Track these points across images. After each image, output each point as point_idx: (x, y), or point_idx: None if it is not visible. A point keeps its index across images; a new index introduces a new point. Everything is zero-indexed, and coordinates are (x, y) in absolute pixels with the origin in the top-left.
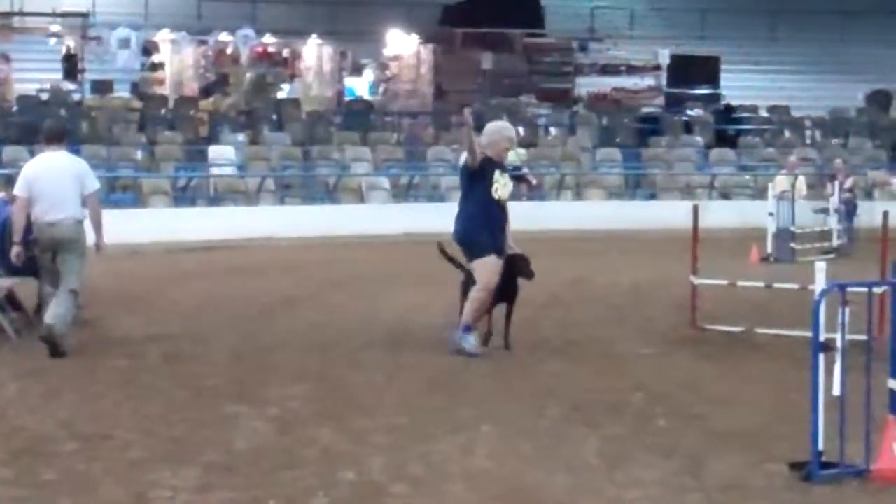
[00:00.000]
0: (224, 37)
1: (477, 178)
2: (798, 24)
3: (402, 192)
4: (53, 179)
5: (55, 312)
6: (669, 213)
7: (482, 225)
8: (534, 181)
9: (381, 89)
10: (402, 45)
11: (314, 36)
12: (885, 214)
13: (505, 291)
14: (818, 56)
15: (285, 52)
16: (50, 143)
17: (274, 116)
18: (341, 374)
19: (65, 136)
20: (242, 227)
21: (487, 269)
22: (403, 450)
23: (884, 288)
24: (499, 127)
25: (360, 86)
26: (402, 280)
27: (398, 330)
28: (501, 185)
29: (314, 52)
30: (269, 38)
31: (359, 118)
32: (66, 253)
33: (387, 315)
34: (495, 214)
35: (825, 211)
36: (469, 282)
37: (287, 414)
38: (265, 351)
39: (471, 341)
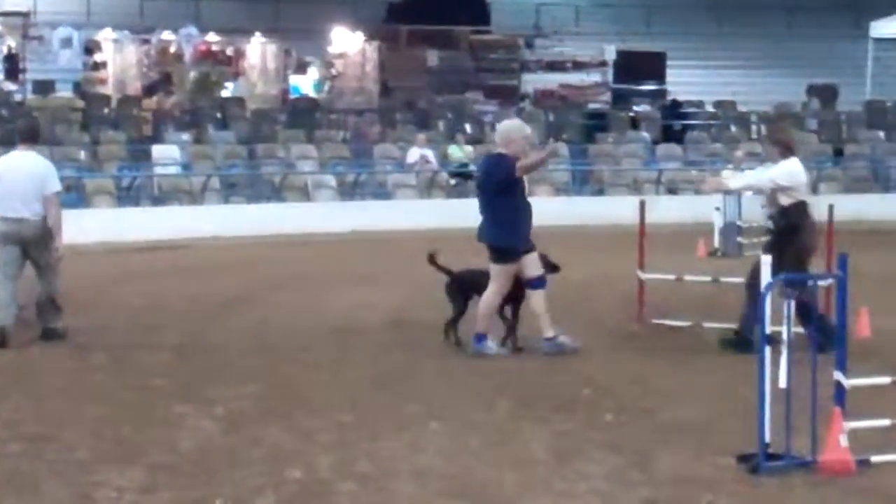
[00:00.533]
0: (167, 35)
1: (514, 183)
2: (743, 19)
3: (349, 190)
4: (17, 179)
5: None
6: (617, 209)
7: (517, 231)
8: None
9: (326, 87)
10: (348, 42)
11: (258, 34)
12: (831, 208)
13: (514, 292)
14: (764, 51)
15: (229, 51)
16: (23, 143)
17: (218, 115)
18: (288, 372)
19: (38, 137)
20: (187, 226)
21: (507, 276)
22: (351, 447)
23: (829, 281)
24: (517, 126)
25: (305, 84)
26: (348, 278)
27: (345, 328)
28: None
29: (258, 50)
30: (212, 37)
31: (304, 116)
32: (34, 251)
33: (334, 313)
34: (525, 219)
35: None
36: (456, 287)
37: (233, 413)
38: (211, 350)
39: (489, 346)
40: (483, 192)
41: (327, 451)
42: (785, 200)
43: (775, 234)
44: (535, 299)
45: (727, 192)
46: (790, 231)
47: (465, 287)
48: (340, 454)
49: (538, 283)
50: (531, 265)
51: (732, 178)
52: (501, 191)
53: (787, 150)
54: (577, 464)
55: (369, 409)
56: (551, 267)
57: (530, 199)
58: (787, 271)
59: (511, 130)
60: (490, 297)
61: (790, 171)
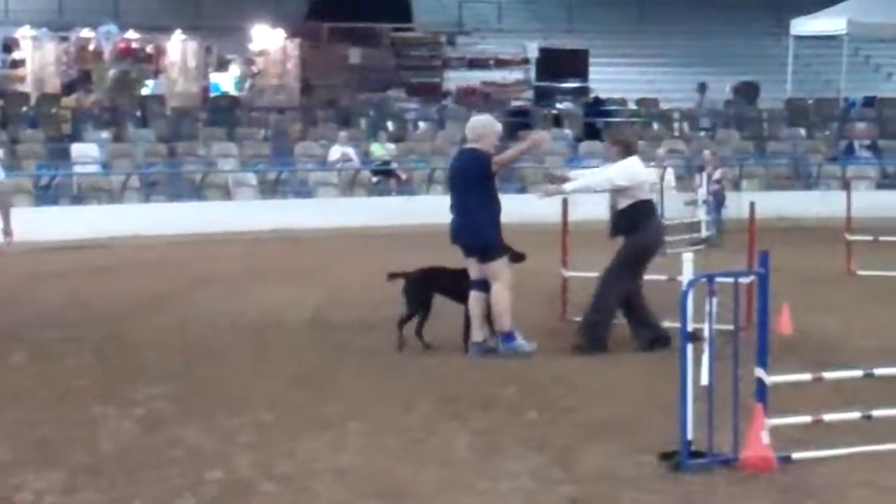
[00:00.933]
0: (86, 33)
1: (490, 178)
2: (665, 17)
3: (270, 189)
4: None
5: None
6: (541, 206)
7: (497, 225)
8: (403, 176)
9: (247, 85)
10: (269, 39)
11: (178, 31)
12: (752, 205)
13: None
14: (686, 49)
15: (149, 48)
16: None
17: (138, 113)
18: (208, 372)
19: None
20: (107, 225)
21: (507, 268)
22: (271, 447)
23: (751, 278)
24: (488, 121)
25: (225, 81)
26: (269, 277)
27: (266, 327)
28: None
29: (178, 48)
30: (132, 34)
31: (225, 114)
32: None
33: (254, 312)
34: (499, 214)
35: (694, 203)
36: (416, 289)
37: (154, 413)
38: (132, 350)
39: (520, 343)
40: (457, 189)
41: (247, 452)
42: (623, 202)
43: (614, 234)
44: (473, 301)
45: (565, 195)
46: (628, 231)
47: (426, 286)
48: (261, 454)
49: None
50: (473, 267)
51: (569, 182)
52: (478, 187)
53: (626, 150)
54: (500, 462)
55: (290, 409)
56: (517, 256)
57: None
58: (620, 271)
59: (484, 125)
60: (501, 294)
61: (628, 171)
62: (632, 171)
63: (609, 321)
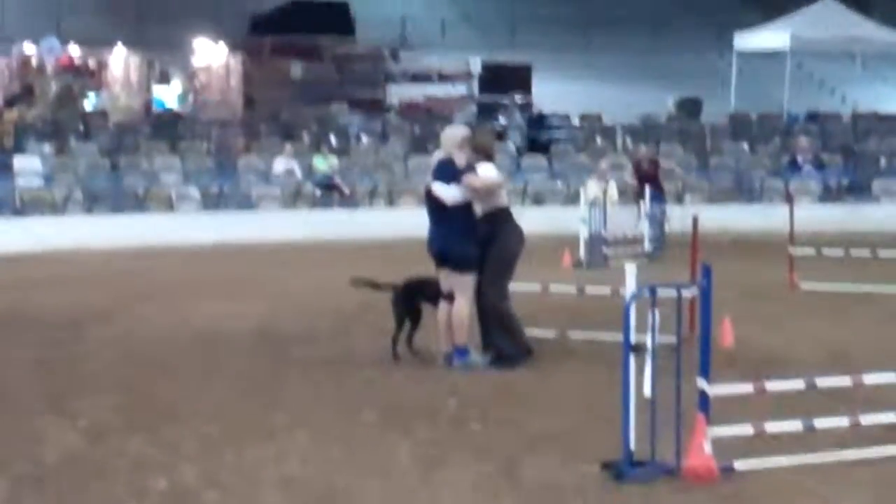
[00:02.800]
0: (28, 47)
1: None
2: (609, 33)
3: (213, 202)
4: None
5: None
6: None
7: (472, 239)
8: (346, 190)
9: (189, 99)
10: (211, 54)
11: (120, 45)
12: (695, 219)
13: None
14: (629, 65)
15: (91, 63)
16: None
17: (81, 127)
18: (152, 383)
19: None
20: (50, 238)
21: (471, 283)
22: (215, 457)
23: (693, 291)
24: (461, 131)
25: (168, 95)
26: (213, 289)
27: (210, 339)
28: None
29: (121, 63)
30: (74, 48)
31: (167, 128)
32: None
33: (199, 324)
34: (475, 224)
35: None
36: (405, 298)
37: (98, 425)
38: (75, 362)
39: (475, 358)
40: (435, 201)
41: (192, 462)
42: (485, 208)
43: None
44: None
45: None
46: (492, 238)
47: (413, 296)
48: (205, 464)
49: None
50: (444, 279)
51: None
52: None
53: (485, 156)
54: (443, 472)
55: (235, 419)
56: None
57: (394, 210)
58: (491, 279)
59: (460, 138)
60: (463, 308)
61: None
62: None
63: (516, 324)
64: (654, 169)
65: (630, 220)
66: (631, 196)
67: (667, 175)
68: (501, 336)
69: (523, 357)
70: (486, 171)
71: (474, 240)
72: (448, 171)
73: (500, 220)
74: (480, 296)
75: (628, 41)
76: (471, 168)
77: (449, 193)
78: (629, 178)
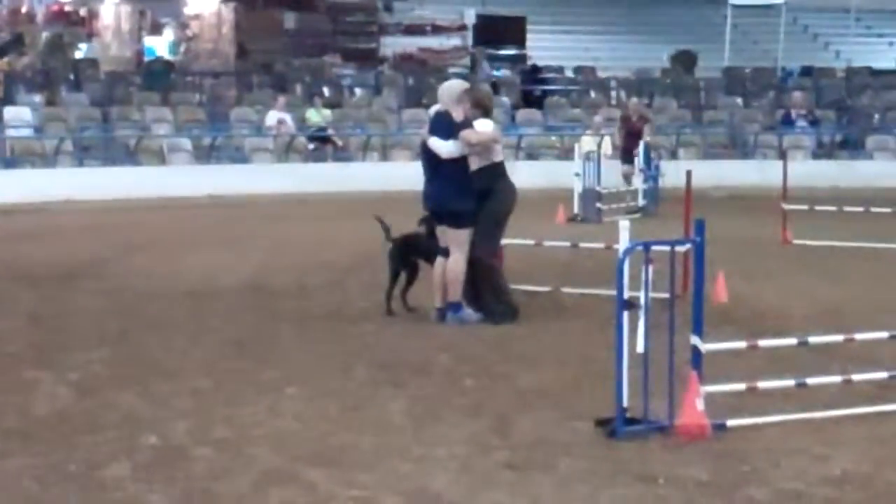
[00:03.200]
0: None
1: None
2: None
3: (205, 154)
4: None
5: None
6: None
7: (469, 194)
8: (339, 142)
9: (181, 49)
10: (203, 3)
11: None
12: (689, 174)
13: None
14: (623, 17)
15: (82, 11)
16: None
17: (71, 77)
18: (144, 337)
19: None
20: (40, 189)
21: (467, 238)
22: (207, 413)
23: (687, 246)
24: (459, 85)
25: (160, 45)
26: (205, 242)
27: (202, 292)
28: None
29: (112, 11)
30: None
31: (159, 78)
32: None
33: (190, 278)
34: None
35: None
36: (401, 253)
37: (88, 378)
38: (65, 315)
39: (468, 312)
40: (430, 155)
41: (183, 417)
42: (479, 163)
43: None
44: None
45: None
46: (485, 193)
47: (410, 251)
48: (197, 420)
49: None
50: (442, 234)
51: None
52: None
53: (484, 112)
54: (436, 428)
55: (226, 375)
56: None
57: (388, 163)
58: (483, 235)
59: (455, 91)
60: (458, 263)
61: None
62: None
63: (504, 282)
64: (642, 124)
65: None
66: (616, 152)
67: (651, 132)
68: (490, 293)
69: (510, 316)
70: (484, 127)
71: (471, 195)
72: (445, 125)
73: (495, 175)
74: (471, 251)
75: None
76: (468, 123)
77: (445, 148)
78: (616, 131)
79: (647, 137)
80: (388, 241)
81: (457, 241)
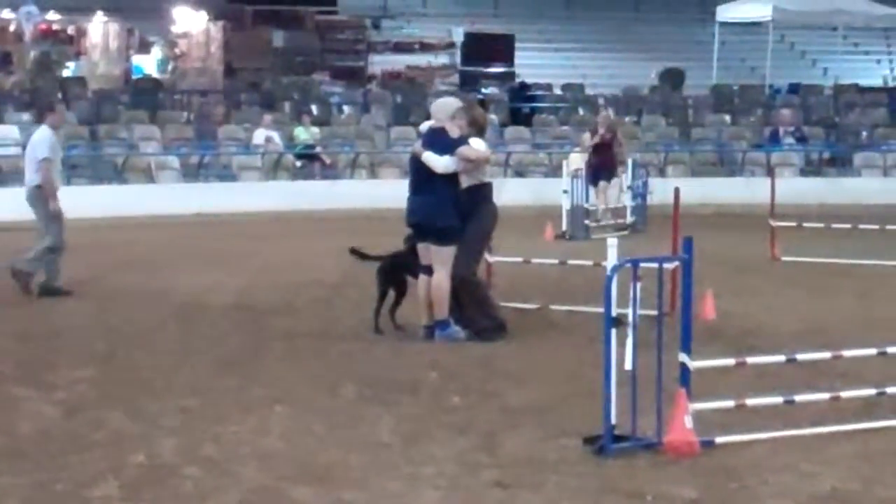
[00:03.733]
0: (6, 14)
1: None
2: (591, 3)
3: (193, 172)
4: (26, 151)
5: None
6: None
7: (455, 210)
8: (327, 160)
9: (169, 67)
10: (191, 22)
11: (100, 12)
12: (677, 191)
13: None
14: (611, 35)
15: (70, 30)
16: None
17: (59, 95)
18: (131, 356)
19: (43, 111)
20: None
21: (451, 255)
22: (195, 431)
23: (675, 264)
24: (455, 102)
25: (148, 64)
26: (193, 260)
27: (189, 311)
28: None
29: (100, 30)
30: (53, 15)
31: (147, 97)
32: (34, 214)
33: (178, 296)
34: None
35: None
36: (390, 271)
37: (75, 397)
38: (52, 334)
39: (455, 329)
40: (418, 169)
41: (171, 435)
42: (468, 181)
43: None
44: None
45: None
46: (470, 213)
47: (398, 269)
48: (184, 438)
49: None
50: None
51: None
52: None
53: (479, 131)
54: (424, 446)
55: (214, 393)
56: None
57: (376, 180)
58: (464, 253)
59: (450, 108)
60: (443, 281)
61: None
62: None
63: (489, 298)
64: (611, 138)
65: (613, 193)
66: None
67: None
68: (476, 310)
69: (500, 332)
70: (478, 146)
71: (456, 212)
72: (441, 141)
73: (481, 196)
74: (453, 270)
75: (611, 11)
76: (464, 140)
77: (441, 163)
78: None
79: (622, 158)
80: (375, 259)
81: (441, 259)
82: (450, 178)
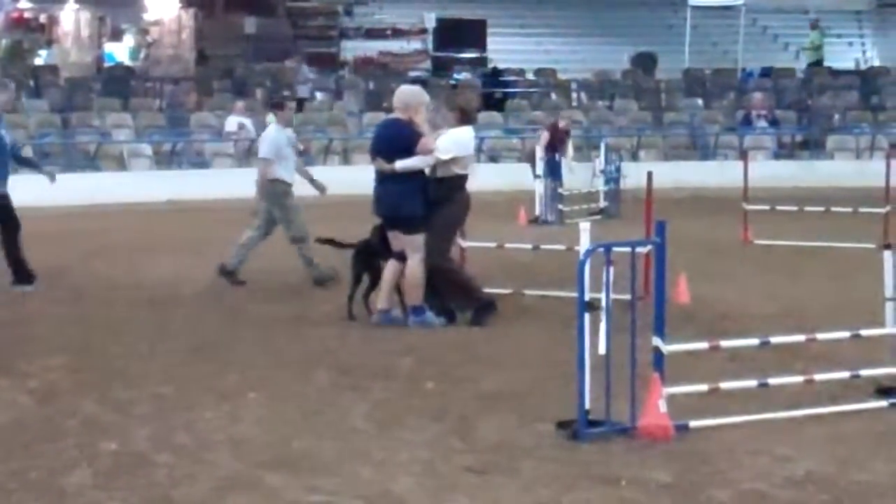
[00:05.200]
0: None
1: (413, 151)
2: None
3: (165, 159)
4: None
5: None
6: None
7: (421, 198)
8: (301, 146)
9: (142, 55)
10: (163, 9)
11: (71, 1)
12: (650, 175)
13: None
14: (583, 19)
15: (42, 18)
16: None
17: (31, 83)
18: (104, 343)
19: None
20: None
21: (422, 242)
22: (168, 419)
23: (648, 248)
24: (416, 91)
25: (120, 51)
26: (165, 248)
27: (162, 298)
28: None
29: (72, 18)
30: (25, 3)
31: (119, 84)
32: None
33: (151, 283)
34: (423, 183)
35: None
36: (364, 256)
37: (48, 385)
38: (25, 322)
39: (430, 315)
40: (382, 159)
41: (144, 423)
42: (442, 172)
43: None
44: (389, 270)
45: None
46: (441, 202)
47: (372, 255)
48: (157, 426)
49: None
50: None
51: (398, 162)
52: (402, 158)
53: (464, 118)
54: (398, 432)
55: (187, 380)
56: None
57: (349, 167)
58: (434, 241)
59: (410, 97)
60: (416, 267)
61: (458, 141)
62: (461, 142)
63: (469, 280)
64: (564, 136)
65: (585, 177)
66: (586, 153)
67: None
68: (461, 295)
69: (490, 311)
70: (460, 137)
71: (422, 199)
72: (391, 136)
73: (454, 186)
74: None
75: None
76: (415, 135)
77: (415, 164)
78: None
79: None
80: (348, 247)
81: (412, 246)
82: (413, 171)
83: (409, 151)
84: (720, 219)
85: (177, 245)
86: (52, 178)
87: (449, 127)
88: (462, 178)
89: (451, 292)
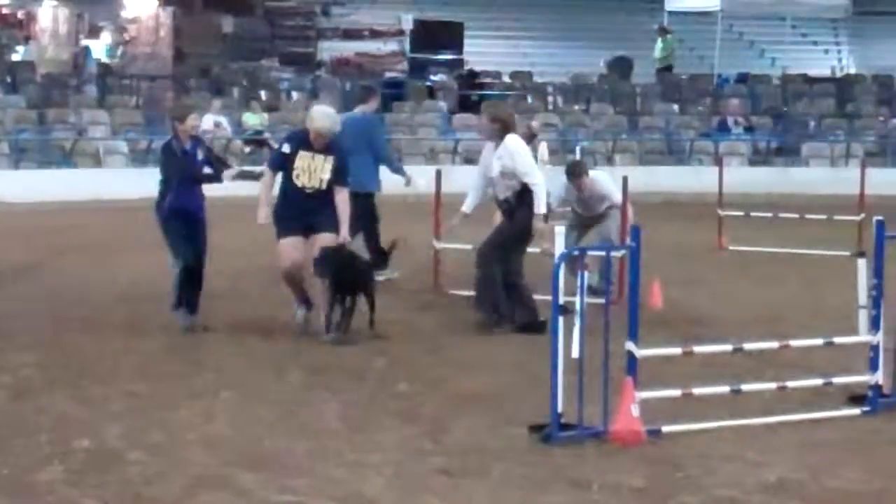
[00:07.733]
0: None
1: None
2: None
3: (141, 157)
4: None
5: None
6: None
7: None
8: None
9: (119, 52)
10: (141, 7)
11: None
12: (625, 180)
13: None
14: (560, 23)
15: (20, 14)
16: None
17: (8, 79)
18: (77, 340)
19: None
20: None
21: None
22: (141, 417)
23: (622, 252)
24: (321, 116)
25: (97, 48)
26: (140, 245)
27: (137, 295)
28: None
29: (50, 14)
30: (2, 0)
31: (96, 81)
32: None
33: (125, 280)
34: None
35: None
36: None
37: (20, 382)
38: None
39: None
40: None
41: (116, 421)
42: (519, 185)
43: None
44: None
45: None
46: (517, 214)
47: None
48: (130, 423)
49: None
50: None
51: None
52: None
53: (505, 128)
54: (370, 433)
55: (160, 379)
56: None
57: None
58: (504, 249)
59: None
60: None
61: (529, 153)
62: (529, 154)
63: (500, 294)
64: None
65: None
66: (562, 157)
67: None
68: (520, 310)
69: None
70: (524, 148)
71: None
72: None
73: (522, 199)
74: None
75: None
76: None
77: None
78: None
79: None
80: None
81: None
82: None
83: None
84: (695, 224)
85: (152, 243)
86: None
87: (487, 137)
88: (529, 194)
89: (518, 306)
